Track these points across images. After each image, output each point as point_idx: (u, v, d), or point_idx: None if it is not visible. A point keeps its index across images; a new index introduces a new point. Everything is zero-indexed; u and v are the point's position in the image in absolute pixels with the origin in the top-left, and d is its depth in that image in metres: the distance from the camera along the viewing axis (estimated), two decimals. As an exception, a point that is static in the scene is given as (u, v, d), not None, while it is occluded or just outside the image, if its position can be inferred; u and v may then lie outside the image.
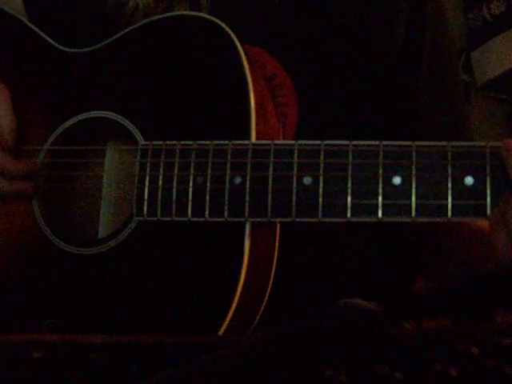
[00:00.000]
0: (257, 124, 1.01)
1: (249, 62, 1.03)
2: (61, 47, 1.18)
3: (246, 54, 1.04)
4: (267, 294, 1.04)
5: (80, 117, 1.13)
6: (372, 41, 1.21)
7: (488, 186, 0.90)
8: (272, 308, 1.04)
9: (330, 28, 1.21)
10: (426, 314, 1.21)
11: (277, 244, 1.04)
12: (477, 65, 2.32)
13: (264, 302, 1.04)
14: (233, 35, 1.04)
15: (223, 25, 1.05)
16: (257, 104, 1.01)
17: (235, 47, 1.03)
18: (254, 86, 1.01)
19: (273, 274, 1.04)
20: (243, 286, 0.98)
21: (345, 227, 1.16)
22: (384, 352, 0.72)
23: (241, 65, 1.02)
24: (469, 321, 1.17)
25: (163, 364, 0.75)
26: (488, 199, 0.90)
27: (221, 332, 0.97)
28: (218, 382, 0.72)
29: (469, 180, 0.91)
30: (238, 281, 0.97)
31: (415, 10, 1.23)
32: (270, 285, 1.04)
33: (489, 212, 0.90)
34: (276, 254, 1.04)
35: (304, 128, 1.16)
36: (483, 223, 0.97)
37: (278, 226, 1.04)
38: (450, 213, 0.91)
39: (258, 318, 1.04)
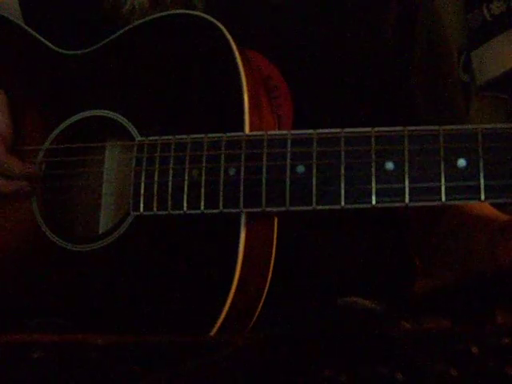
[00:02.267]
0: (251, 116, 1.01)
1: (241, 56, 1.03)
2: (57, 49, 1.19)
3: (239, 49, 1.04)
4: (265, 290, 1.04)
5: (78, 116, 1.13)
6: (363, 42, 1.21)
7: (481, 167, 0.90)
8: (271, 307, 1.04)
9: (324, 30, 1.21)
10: (426, 313, 1.21)
11: (275, 239, 1.04)
12: (477, 65, 2.32)
13: (262, 299, 1.04)
14: (225, 30, 1.05)
15: (216, 21, 1.06)
16: (250, 97, 1.02)
17: (228, 42, 1.04)
18: (247, 78, 1.02)
19: (271, 269, 1.04)
20: (239, 278, 0.97)
21: (345, 226, 1.17)
22: (384, 352, 0.72)
23: (234, 59, 1.03)
24: (469, 321, 1.17)
25: (163, 364, 0.75)
26: (481, 181, 0.89)
27: (217, 326, 0.97)
28: (218, 383, 0.72)
29: (461, 162, 0.91)
30: (233, 272, 0.97)
31: (404, 10, 1.23)
32: (269, 281, 1.04)
33: (482, 194, 0.90)
34: (274, 249, 1.04)
35: (299, 129, 1.16)
36: (481, 219, 0.97)
37: (276, 220, 1.04)
38: (443, 196, 0.91)
39: (256, 315, 1.04)
